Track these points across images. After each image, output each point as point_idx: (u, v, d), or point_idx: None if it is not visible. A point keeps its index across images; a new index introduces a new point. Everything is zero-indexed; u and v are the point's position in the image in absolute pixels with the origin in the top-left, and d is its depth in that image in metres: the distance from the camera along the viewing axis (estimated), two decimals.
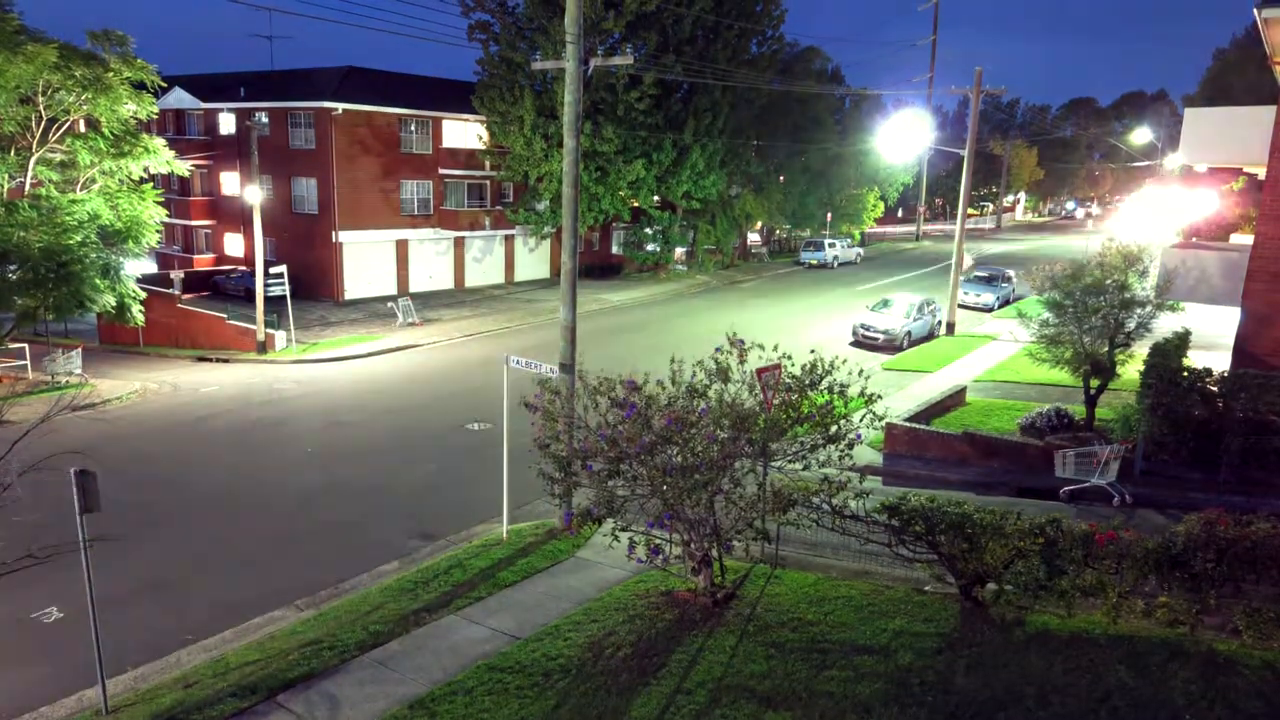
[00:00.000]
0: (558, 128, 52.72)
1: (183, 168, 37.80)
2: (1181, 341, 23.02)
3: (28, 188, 33.14)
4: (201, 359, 41.70)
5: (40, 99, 32.35)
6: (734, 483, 14.50)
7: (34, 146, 33.23)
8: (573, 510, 19.18)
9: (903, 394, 29.60)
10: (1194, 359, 22.42)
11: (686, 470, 13.91)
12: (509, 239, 63.64)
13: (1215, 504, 14.43)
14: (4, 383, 35.78)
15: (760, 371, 15.62)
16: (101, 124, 33.73)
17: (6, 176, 32.77)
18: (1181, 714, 11.41)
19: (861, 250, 79.61)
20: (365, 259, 55.41)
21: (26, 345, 37.49)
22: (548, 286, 61.56)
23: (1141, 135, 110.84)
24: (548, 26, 51.97)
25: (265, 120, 53.24)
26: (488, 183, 61.92)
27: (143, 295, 35.42)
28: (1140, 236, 30.75)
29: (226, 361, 40.59)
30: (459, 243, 60.65)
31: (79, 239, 30.79)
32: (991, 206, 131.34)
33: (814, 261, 73.25)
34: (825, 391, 15.00)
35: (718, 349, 14.86)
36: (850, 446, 14.96)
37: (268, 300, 41.47)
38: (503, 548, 18.61)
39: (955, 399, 27.96)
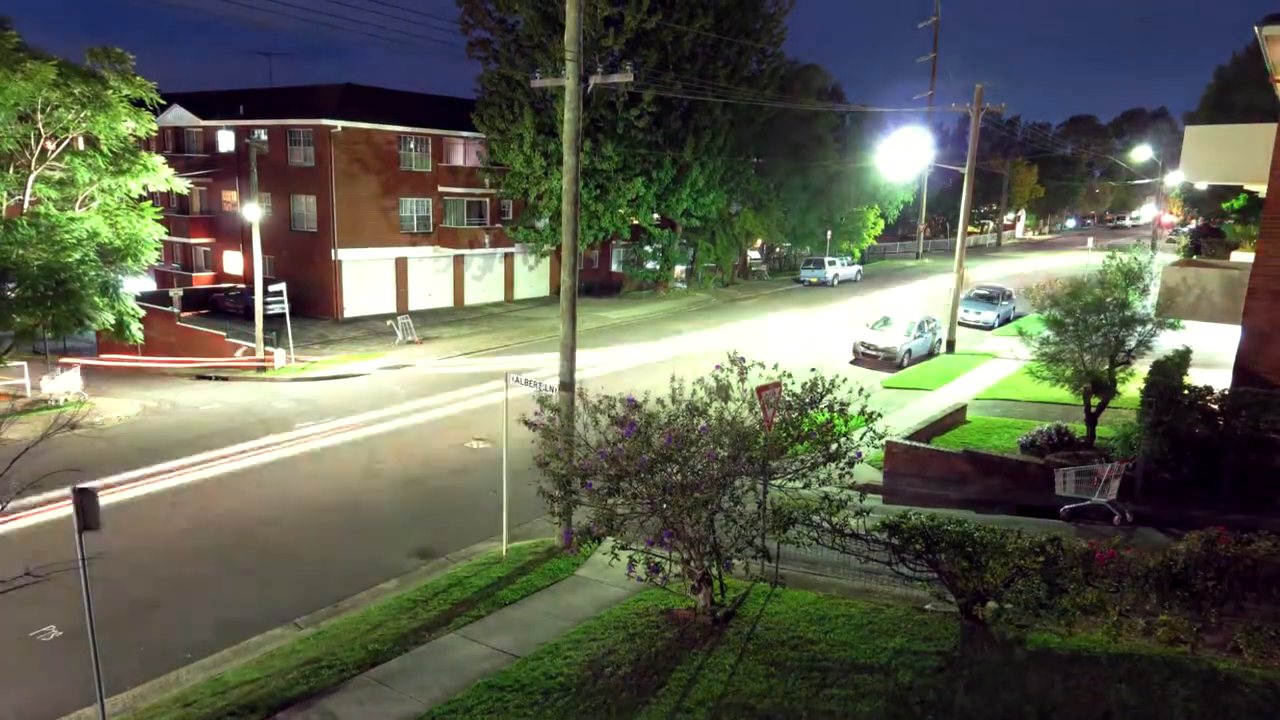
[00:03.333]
0: (557, 145, 52.81)
1: (182, 185, 37.81)
2: (1182, 359, 23.00)
3: (26, 205, 33.15)
4: (200, 377, 41.66)
5: (39, 116, 32.36)
6: (734, 501, 14.49)
7: (33, 164, 33.24)
8: (572, 528, 19.20)
9: (903, 412, 29.57)
10: (1195, 377, 22.43)
11: (686, 488, 13.90)
12: (509, 257, 63.69)
13: (1216, 522, 14.38)
14: (3, 401, 35.73)
15: (760, 390, 15.62)
16: (100, 142, 33.72)
17: (5, 194, 32.80)
18: None
19: (862, 268, 79.62)
20: (364, 277, 55.43)
21: (25, 363, 37.41)
22: (548, 304, 61.55)
23: (1142, 153, 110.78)
24: (547, 44, 52.07)
25: (264, 138, 53.34)
26: (487, 200, 61.97)
27: (142, 313, 35.35)
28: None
29: (226, 380, 40.54)
30: (458, 260, 60.69)
31: (78, 257, 30.79)
32: (992, 224, 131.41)
33: (814, 279, 73.22)
34: (825, 410, 14.99)
35: (718, 367, 14.87)
36: (850, 465, 14.94)
37: (267, 318, 41.46)
38: (502, 566, 18.58)
39: (955, 417, 27.93)
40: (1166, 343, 24.33)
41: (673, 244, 64.41)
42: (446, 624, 15.80)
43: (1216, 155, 24.48)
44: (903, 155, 63.08)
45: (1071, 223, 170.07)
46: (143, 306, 36.56)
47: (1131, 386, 23.95)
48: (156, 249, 35.85)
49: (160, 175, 35.92)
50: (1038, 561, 13.25)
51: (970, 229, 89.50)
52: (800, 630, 14.70)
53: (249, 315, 43.78)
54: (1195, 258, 29.38)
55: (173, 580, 18.90)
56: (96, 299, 31.98)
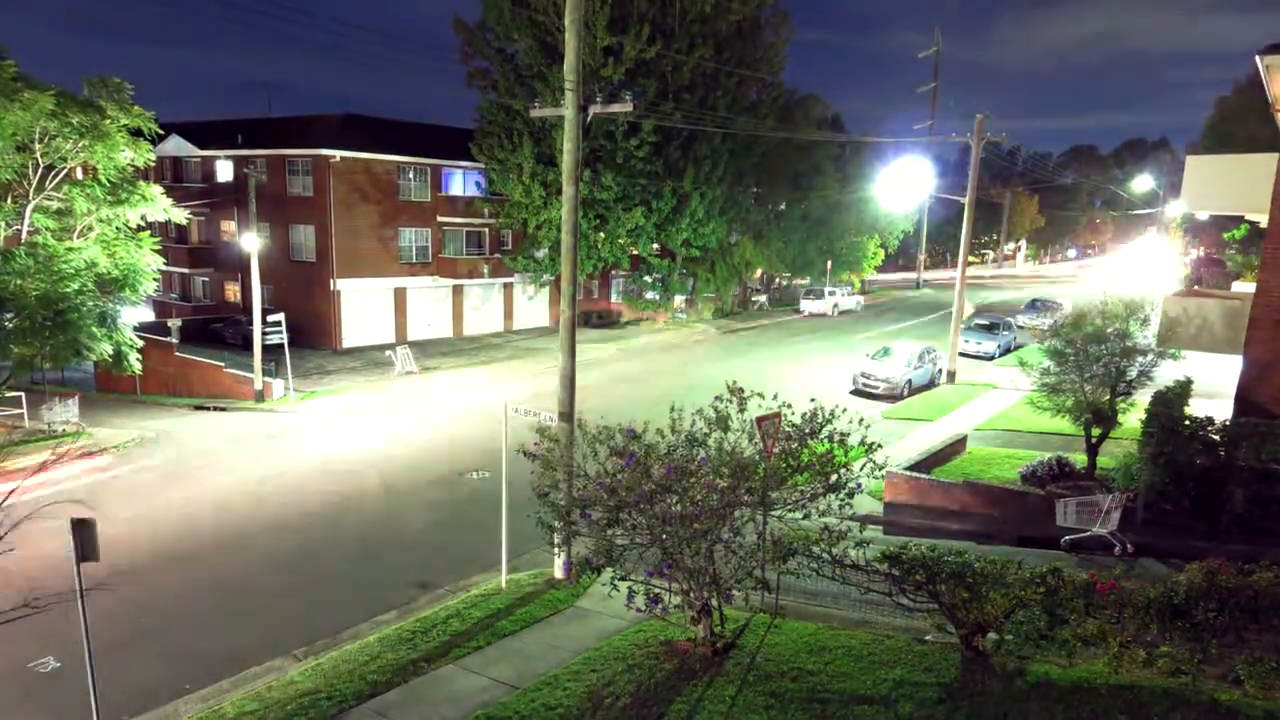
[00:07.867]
0: (556, 175, 52.95)
1: (180, 215, 37.69)
2: (1183, 390, 22.97)
3: (24, 235, 33.11)
4: (199, 407, 41.61)
5: (37, 146, 32.36)
6: (734, 532, 14.43)
7: (30, 194, 33.23)
8: (572, 559, 19.14)
9: (903, 443, 29.52)
10: (1196, 407, 22.37)
11: (686, 519, 13.85)
12: (508, 287, 63.81)
13: (1217, 553, 14.33)
14: (1, 431, 35.68)
15: (760, 420, 15.59)
16: (99, 171, 33.73)
17: (3, 224, 32.76)
18: None
19: (862, 298, 79.76)
20: (363, 307, 55.48)
21: (23, 394, 37.38)
22: (547, 334, 61.60)
23: (1142, 183, 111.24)
24: (546, 74, 52.34)
25: (263, 168, 53.43)
26: (486, 230, 62.11)
27: (140, 343, 35.24)
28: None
29: (224, 410, 40.50)
30: (457, 291, 60.78)
31: (76, 287, 30.74)
32: (992, 254, 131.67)
33: (814, 309, 73.36)
34: (825, 440, 14.96)
35: (717, 397, 14.84)
36: (850, 495, 14.89)
37: (266, 348, 41.42)
38: (502, 597, 18.50)
39: (956, 448, 27.89)
40: (1167, 373, 24.32)
41: (672, 274, 64.50)
42: (445, 655, 15.72)
43: (1217, 185, 24.50)
44: (903, 185, 63.12)
45: (1072, 253, 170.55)
46: (141, 337, 36.51)
47: (1132, 417, 23.92)
48: (155, 279, 35.77)
49: (158, 205, 35.84)
50: (1038, 592, 13.19)
51: (970, 259, 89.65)
52: (800, 661, 14.63)
53: (248, 346, 43.74)
54: (1196, 288, 29.42)
55: (170, 609, 18.84)
56: (94, 329, 31.90)
